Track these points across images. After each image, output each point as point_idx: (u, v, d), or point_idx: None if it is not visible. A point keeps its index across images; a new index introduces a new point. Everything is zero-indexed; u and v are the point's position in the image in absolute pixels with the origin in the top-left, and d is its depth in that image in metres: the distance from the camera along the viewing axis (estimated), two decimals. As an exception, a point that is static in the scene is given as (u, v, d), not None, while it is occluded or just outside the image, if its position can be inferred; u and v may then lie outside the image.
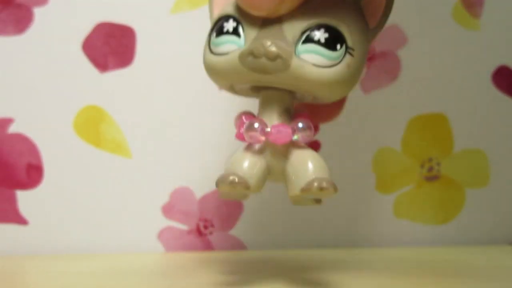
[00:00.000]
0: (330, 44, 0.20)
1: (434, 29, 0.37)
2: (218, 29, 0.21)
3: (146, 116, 0.35)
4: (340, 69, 0.20)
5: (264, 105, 0.22)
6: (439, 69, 0.37)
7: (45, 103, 0.35)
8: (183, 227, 0.36)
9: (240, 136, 0.22)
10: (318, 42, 0.20)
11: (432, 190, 0.37)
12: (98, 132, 0.35)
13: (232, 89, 0.23)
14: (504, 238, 0.37)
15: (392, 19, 0.36)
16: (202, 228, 0.36)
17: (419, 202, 0.37)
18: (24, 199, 0.35)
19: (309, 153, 0.21)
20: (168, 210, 0.35)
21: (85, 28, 0.35)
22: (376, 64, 0.36)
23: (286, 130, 0.21)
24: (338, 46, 0.20)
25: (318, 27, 0.20)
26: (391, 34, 0.36)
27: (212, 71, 0.22)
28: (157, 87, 0.35)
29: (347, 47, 0.20)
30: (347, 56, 0.20)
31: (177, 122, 0.35)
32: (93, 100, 0.35)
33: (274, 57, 0.20)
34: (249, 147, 0.22)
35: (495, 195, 0.37)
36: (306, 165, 0.21)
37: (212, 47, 0.21)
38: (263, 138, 0.21)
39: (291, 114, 0.22)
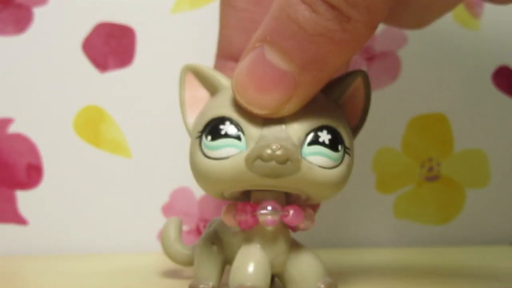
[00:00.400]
0: (333, 145, 0.20)
1: (434, 29, 0.37)
2: (212, 131, 0.20)
3: (146, 116, 0.35)
4: (342, 169, 0.20)
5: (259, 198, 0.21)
6: (439, 69, 0.37)
7: (45, 103, 0.35)
8: (183, 227, 0.36)
9: (244, 225, 0.21)
10: (323, 144, 0.20)
11: (432, 190, 0.37)
12: (98, 132, 0.35)
13: (221, 195, 0.22)
14: (504, 238, 0.37)
15: (392, 19, 0.36)
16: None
17: (419, 202, 0.37)
18: (24, 199, 0.35)
19: (310, 255, 0.21)
20: (168, 210, 0.35)
21: (85, 28, 0.35)
22: (376, 64, 0.36)
23: (300, 211, 0.21)
24: (339, 147, 0.20)
25: (321, 128, 0.20)
26: (391, 34, 0.36)
27: (208, 177, 0.20)
28: (157, 87, 0.35)
29: (345, 148, 0.20)
30: (346, 156, 0.20)
31: (177, 122, 0.35)
32: (93, 100, 0.35)
33: (284, 160, 0.19)
34: (252, 253, 0.21)
35: (495, 195, 0.37)
36: (312, 269, 0.21)
37: (205, 150, 0.20)
38: (280, 220, 0.20)
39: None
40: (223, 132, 0.20)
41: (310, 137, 0.20)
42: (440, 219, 0.37)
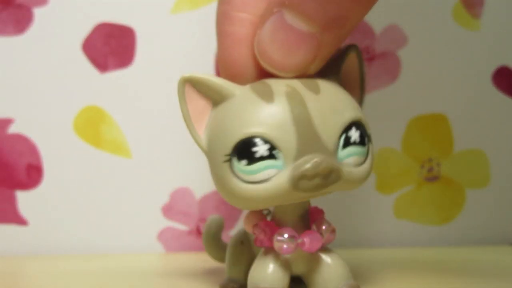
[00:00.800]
0: (362, 141, 0.20)
1: (434, 29, 0.37)
2: (246, 154, 0.19)
3: (146, 116, 0.35)
4: (370, 160, 0.20)
5: (282, 208, 0.21)
6: (439, 69, 0.37)
7: (45, 104, 0.35)
8: (183, 227, 0.36)
9: (259, 244, 0.21)
10: (354, 143, 0.20)
11: (432, 190, 0.37)
12: (98, 132, 0.35)
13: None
14: (504, 238, 0.37)
15: (392, 19, 0.36)
16: (202, 229, 0.36)
17: (419, 203, 0.37)
18: (24, 199, 0.35)
19: (333, 257, 0.21)
20: (168, 210, 0.35)
21: (85, 29, 0.35)
22: (376, 64, 0.36)
23: (317, 237, 0.20)
24: (366, 140, 0.20)
25: (350, 126, 0.20)
26: (391, 34, 0.36)
27: (249, 201, 0.20)
28: (157, 88, 0.35)
29: (368, 137, 0.20)
30: (370, 144, 0.21)
31: (177, 123, 0.35)
32: (93, 101, 0.35)
33: (328, 175, 0.19)
34: (273, 257, 0.21)
35: (495, 195, 0.37)
36: (336, 273, 0.21)
37: (242, 176, 0.19)
38: (295, 248, 0.20)
39: (307, 212, 0.22)
40: (258, 155, 0.19)
41: (342, 139, 0.20)
42: (440, 219, 0.37)
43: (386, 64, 0.36)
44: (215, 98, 0.21)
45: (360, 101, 0.22)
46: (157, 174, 0.35)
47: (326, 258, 0.21)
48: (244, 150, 0.19)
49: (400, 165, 0.37)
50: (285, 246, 0.20)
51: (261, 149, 0.19)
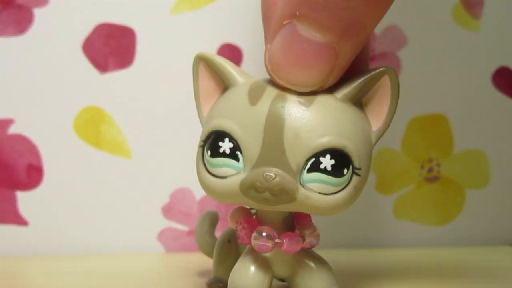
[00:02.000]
0: (336, 171, 0.18)
1: (434, 29, 0.37)
2: (212, 147, 0.19)
3: (146, 116, 0.35)
4: (346, 193, 0.19)
5: (265, 211, 0.21)
6: (439, 69, 0.37)
7: (45, 104, 0.35)
8: (183, 227, 0.36)
9: (241, 241, 0.20)
10: (324, 171, 0.18)
11: (432, 191, 0.37)
12: (98, 132, 0.35)
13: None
14: (504, 238, 0.37)
15: (392, 19, 0.36)
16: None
17: (419, 203, 0.37)
18: (24, 199, 0.35)
19: (317, 261, 0.21)
20: (168, 210, 0.35)
21: (85, 29, 0.35)
22: (376, 64, 0.36)
23: (297, 239, 0.20)
24: (345, 171, 0.18)
25: (324, 153, 0.18)
26: (391, 34, 0.36)
27: (211, 192, 0.20)
28: (157, 88, 0.35)
29: (353, 168, 0.19)
30: (354, 177, 0.19)
31: (177, 123, 0.35)
32: (93, 101, 0.35)
33: (278, 191, 0.18)
34: (253, 258, 0.21)
35: (495, 195, 0.37)
36: (319, 279, 0.21)
37: (207, 166, 0.19)
38: (272, 248, 0.20)
39: (292, 216, 0.21)
40: (221, 150, 0.19)
41: (310, 163, 0.18)
42: (440, 219, 0.37)
43: (386, 64, 0.36)
44: (224, 83, 0.20)
45: (379, 132, 0.20)
46: (157, 174, 0.35)
47: (309, 262, 0.21)
48: (212, 142, 0.19)
49: (400, 165, 0.37)
50: (262, 244, 0.20)
51: (225, 145, 0.19)
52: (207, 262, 0.30)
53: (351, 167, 0.19)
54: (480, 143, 0.37)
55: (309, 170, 0.18)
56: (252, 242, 0.20)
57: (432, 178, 0.37)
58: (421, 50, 0.37)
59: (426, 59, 0.37)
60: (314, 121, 0.18)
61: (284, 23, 0.18)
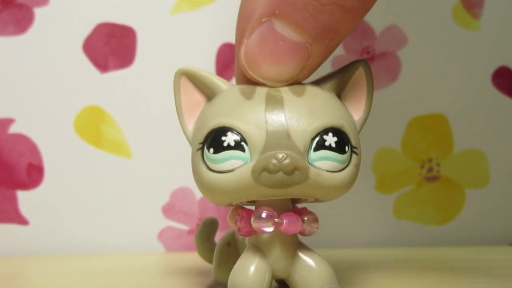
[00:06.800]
0: (340, 147, 0.19)
1: (434, 29, 0.37)
2: (214, 143, 0.19)
3: (146, 116, 0.35)
4: (350, 170, 0.20)
5: (262, 205, 0.21)
6: (439, 69, 0.37)
7: (46, 104, 0.35)
8: (183, 227, 0.36)
9: (243, 232, 0.21)
10: (329, 148, 0.19)
11: (432, 190, 0.37)
12: (99, 132, 0.35)
13: (229, 204, 0.21)
14: (504, 238, 0.37)
15: (392, 19, 0.36)
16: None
17: (419, 203, 0.37)
18: (25, 199, 0.35)
19: (316, 260, 0.21)
20: (168, 210, 0.36)
21: (86, 29, 0.35)
22: (376, 64, 0.36)
23: (297, 219, 0.20)
24: (346, 148, 0.19)
25: (326, 131, 0.19)
26: (391, 34, 0.36)
27: (214, 190, 0.20)
28: (158, 88, 0.35)
29: (351, 147, 0.20)
30: (353, 156, 0.20)
31: (178, 123, 0.35)
32: (93, 101, 0.35)
33: (292, 170, 0.18)
34: (253, 257, 0.21)
35: (495, 195, 0.37)
36: (318, 276, 0.21)
37: (209, 163, 0.19)
38: (272, 228, 0.20)
39: (291, 210, 0.21)
40: (225, 144, 0.19)
41: (315, 141, 0.19)
42: (440, 219, 0.37)
43: (386, 64, 0.37)
44: (208, 94, 0.21)
45: (360, 122, 0.21)
46: (157, 174, 0.35)
47: (309, 260, 0.21)
48: (214, 139, 0.19)
49: (400, 165, 0.37)
50: (263, 225, 0.20)
51: (229, 139, 0.19)
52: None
53: (349, 145, 0.20)
54: (480, 143, 0.37)
55: (316, 149, 0.19)
56: (253, 225, 0.20)
57: (432, 177, 0.37)
58: (421, 50, 0.37)
59: (426, 59, 0.37)
60: (312, 105, 0.19)
61: (263, 20, 0.19)
